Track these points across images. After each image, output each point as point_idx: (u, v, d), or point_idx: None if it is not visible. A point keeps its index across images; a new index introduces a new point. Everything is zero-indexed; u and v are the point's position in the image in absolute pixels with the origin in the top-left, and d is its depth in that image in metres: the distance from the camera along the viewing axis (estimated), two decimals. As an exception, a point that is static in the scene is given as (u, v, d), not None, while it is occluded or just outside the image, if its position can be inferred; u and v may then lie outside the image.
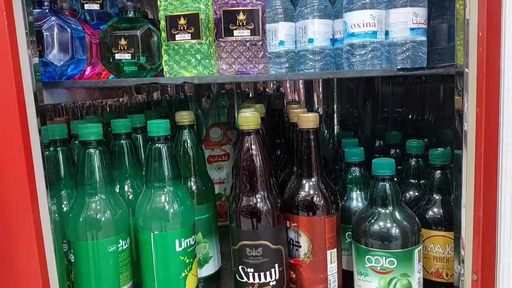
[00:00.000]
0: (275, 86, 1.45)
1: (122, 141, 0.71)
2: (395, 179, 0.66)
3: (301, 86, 1.45)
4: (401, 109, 1.20)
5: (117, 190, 0.68)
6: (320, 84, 1.43)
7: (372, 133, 1.03)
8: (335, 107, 1.41)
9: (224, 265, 0.83)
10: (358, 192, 0.74)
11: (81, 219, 0.61)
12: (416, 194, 0.76)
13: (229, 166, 1.07)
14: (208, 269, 0.77)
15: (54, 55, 0.61)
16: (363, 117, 1.32)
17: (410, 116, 1.13)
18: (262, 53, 0.67)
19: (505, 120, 0.49)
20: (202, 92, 1.39)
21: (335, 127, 1.41)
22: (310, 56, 0.74)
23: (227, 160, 1.08)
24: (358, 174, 0.75)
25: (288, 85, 1.45)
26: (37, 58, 0.57)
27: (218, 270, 0.79)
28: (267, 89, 1.44)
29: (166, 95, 1.43)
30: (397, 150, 0.90)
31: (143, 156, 0.76)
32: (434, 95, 1.00)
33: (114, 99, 1.32)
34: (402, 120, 1.17)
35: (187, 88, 1.42)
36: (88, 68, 0.73)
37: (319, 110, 1.42)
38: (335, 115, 1.41)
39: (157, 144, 0.64)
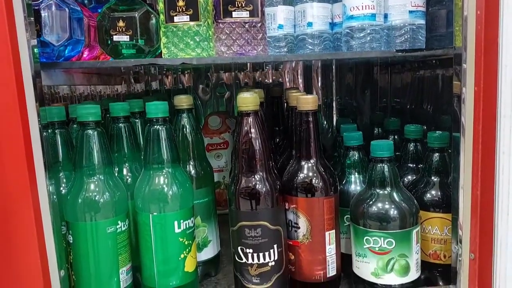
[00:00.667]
0: (273, 77, 1.45)
1: (120, 124, 0.71)
2: (394, 162, 0.66)
3: (299, 79, 1.45)
4: (400, 99, 1.20)
5: (116, 174, 0.68)
6: (319, 75, 1.43)
7: (370, 120, 1.03)
8: (334, 98, 1.42)
9: (223, 251, 0.83)
10: (356, 175, 0.74)
11: (80, 199, 0.61)
12: (415, 178, 0.76)
13: (228, 154, 1.07)
14: (207, 253, 0.77)
15: (52, 35, 0.61)
16: (362, 106, 1.32)
17: (408, 107, 1.13)
18: (261, 35, 0.67)
19: (503, 94, 0.49)
20: (201, 81, 1.39)
21: (334, 117, 1.41)
22: (309, 40, 0.74)
23: (226, 148, 1.08)
24: (356, 158, 0.75)
25: (287, 78, 1.45)
26: (35, 40, 0.57)
27: (217, 254, 0.79)
28: (266, 80, 1.44)
29: (165, 86, 1.43)
30: (396, 137, 0.90)
31: (141, 141, 0.76)
32: (432, 84, 1.00)
33: (113, 89, 1.31)
34: (400, 109, 1.17)
35: (186, 80, 1.42)
36: (86, 52, 0.72)
37: (318, 101, 1.42)
38: (333, 106, 1.41)
39: (155, 126, 0.64)
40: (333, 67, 1.39)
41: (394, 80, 1.25)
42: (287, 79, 1.45)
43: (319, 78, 1.43)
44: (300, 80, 1.45)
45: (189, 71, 1.37)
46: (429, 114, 1.01)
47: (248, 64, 1.16)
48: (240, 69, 1.37)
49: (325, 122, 1.41)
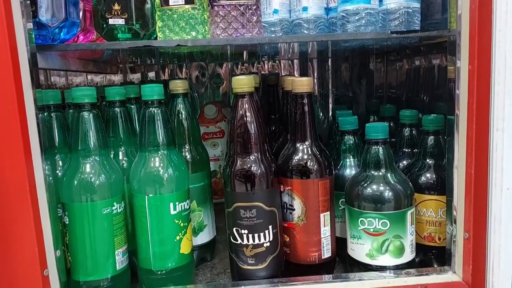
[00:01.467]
0: (269, 69, 1.45)
1: (116, 108, 0.71)
2: (388, 144, 0.66)
3: (296, 71, 1.45)
4: (395, 89, 1.21)
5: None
6: (315, 66, 1.43)
7: (366, 108, 1.04)
8: (330, 89, 1.42)
9: (219, 238, 0.83)
10: (351, 159, 0.75)
11: (76, 180, 0.61)
12: (410, 162, 0.77)
13: (224, 143, 1.08)
14: (203, 237, 0.77)
15: (48, 16, 0.61)
16: (358, 97, 1.32)
17: (404, 97, 1.13)
18: (255, 18, 0.67)
19: (496, 71, 0.50)
20: (197, 72, 1.39)
21: (330, 108, 1.41)
22: (305, 25, 0.74)
23: (222, 137, 1.08)
24: (352, 143, 0.75)
25: (283, 71, 1.46)
26: (31, 23, 0.57)
27: (213, 239, 0.79)
28: (262, 72, 1.44)
29: (161, 78, 1.43)
30: (391, 123, 0.91)
31: (137, 126, 0.76)
32: (428, 73, 1.01)
33: (110, 81, 1.31)
34: (396, 98, 1.18)
35: (184, 73, 1.42)
36: (81, 36, 0.72)
37: (315, 93, 1.42)
38: (330, 97, 1.42)
39: (151, 108, 0.64)
40: (329, 58, 1.39)
41: (390, 70, 1.25)
42: (283, 73, 1.45)
43: (315, 70, 1.43)
44: (296, 74, 1.45)
45: (185, 62, 1.37)
46: (425, 103, 1.01)
47: (245, 53, 1.17)
48: (237, 60, 1.37)
49: (321, 114, 1.41)
